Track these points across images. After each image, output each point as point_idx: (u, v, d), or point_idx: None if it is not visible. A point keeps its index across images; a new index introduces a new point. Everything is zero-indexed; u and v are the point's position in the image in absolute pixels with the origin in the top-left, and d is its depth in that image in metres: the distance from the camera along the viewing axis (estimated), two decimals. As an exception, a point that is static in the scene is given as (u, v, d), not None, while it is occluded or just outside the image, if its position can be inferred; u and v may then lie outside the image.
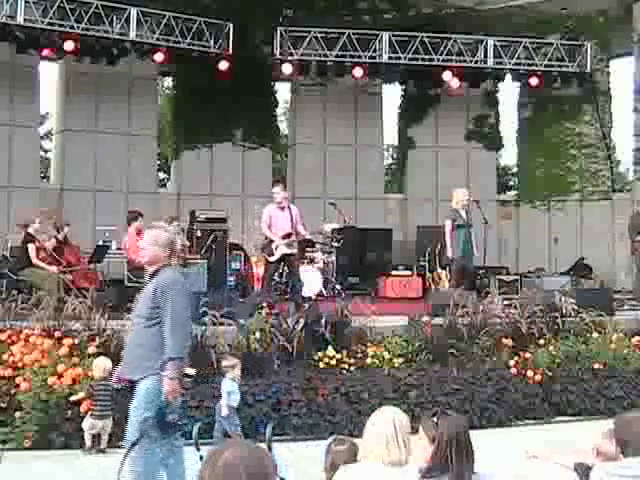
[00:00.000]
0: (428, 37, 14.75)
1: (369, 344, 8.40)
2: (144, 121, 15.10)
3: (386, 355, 8.29)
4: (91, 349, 7.11)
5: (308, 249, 12.41)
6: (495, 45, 14.89)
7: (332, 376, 7.79)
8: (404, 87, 16.75)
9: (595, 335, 8.97)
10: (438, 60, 14.80)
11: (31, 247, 9.87)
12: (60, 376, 6.75)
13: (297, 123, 16.65)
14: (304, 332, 8.17)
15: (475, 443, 3.45)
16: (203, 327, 7.74)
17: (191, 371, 4.80)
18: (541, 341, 8.72)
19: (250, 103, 15.08)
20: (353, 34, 14.55)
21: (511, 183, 21.36)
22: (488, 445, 4.99)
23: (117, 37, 13.03)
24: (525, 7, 15.07)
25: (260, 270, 10.87)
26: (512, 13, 15.12)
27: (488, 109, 16.69)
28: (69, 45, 12.59)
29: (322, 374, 7.80)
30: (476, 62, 14.91)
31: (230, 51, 14.10)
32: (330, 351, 8.10)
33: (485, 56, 14.88)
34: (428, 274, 12.81)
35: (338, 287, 12.25)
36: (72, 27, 12.55)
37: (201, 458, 3.46)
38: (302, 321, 8.25)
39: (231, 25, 14.10)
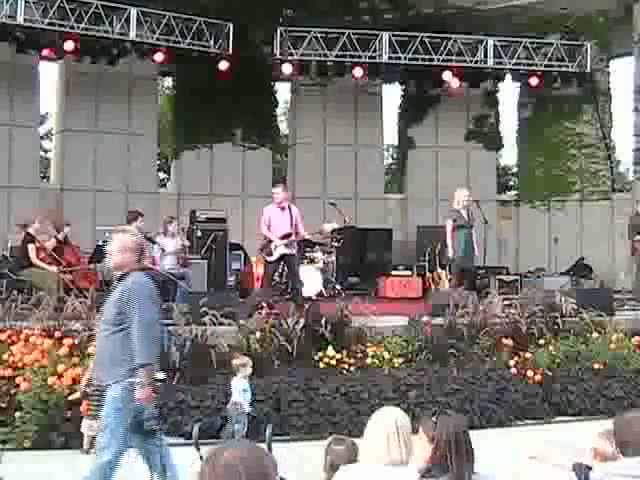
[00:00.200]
0: (428, 37, 14.73)
1: (369, 344, 8.41)
2: (144, 121, 15.08)
3: (386, 355, 8.30)
4: (91, 349, 7.09)
5: (308, 249, 12.41)
6: (495, 45, 14.87)
7: (332, 376, 7.80)
8: (404, 87, 16.73)
9: (595, 335, 8.98)
10: (438, 60, 14.77)
11: (31, 247, 9.87)
12: (60, 376, 6.76)
13: (297, 123, 16.64)
14: (304, 332, 8.18)
15: (475, 443, 3.44)
16: (203, 327, 7.74)
17: (161, 375, 4.74)
18: (541, 341, 8.73)
19: (250, 103, 15.07)
20: (353, 34, 14.53)
21: (511, 183, 21.35)
22: (488, 445, 5.00)
23: (117, 37, 13.01)
24: (525, 7, 15.05)
25: (260, 270, 10.86)
26: (512, 13, 15.10)
27: (488, 109, 16.68)
28: (69, 45, 12.57)
29: (322, 374, 7.81)
30: (476, 62, 14.89)
31: (230, 51, 14.08)
32: (330, 351, 8.10)
33: (485, 56, 14.86)
34: (428, 274, 12.80)
35: (338, 287, 12.27)
36: (72, 27, 12.53)
37: (201, 458, 3.47)
38: (302, 321, 8.26)
39: (231, 25, 14.08)
